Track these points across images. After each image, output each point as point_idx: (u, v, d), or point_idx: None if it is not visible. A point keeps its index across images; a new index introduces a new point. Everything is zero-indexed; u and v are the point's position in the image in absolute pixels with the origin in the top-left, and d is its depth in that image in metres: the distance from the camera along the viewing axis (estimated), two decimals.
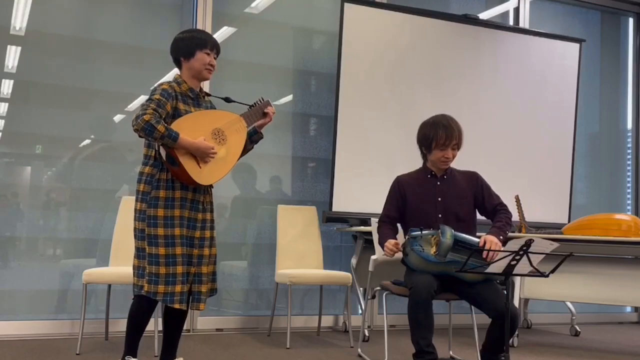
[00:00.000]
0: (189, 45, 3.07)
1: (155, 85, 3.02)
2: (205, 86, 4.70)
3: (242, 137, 3.13)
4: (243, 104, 3.32)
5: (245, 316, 4.85)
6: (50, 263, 4.40)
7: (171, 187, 2.96)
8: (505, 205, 3.41)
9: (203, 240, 3.05)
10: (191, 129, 2.93)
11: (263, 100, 3.24)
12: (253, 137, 3.25)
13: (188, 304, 3.01)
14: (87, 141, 4.56)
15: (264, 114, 3.21)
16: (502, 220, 3.33)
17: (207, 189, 3.11)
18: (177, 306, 2.91)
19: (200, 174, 2.94)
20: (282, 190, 5.06)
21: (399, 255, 3.34)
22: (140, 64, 4.61)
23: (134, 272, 2.99)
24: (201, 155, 2.93)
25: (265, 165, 5.01)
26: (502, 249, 3.01)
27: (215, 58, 3.13)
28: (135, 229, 2.98)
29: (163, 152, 2.91)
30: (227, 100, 3.32)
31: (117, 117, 4.64)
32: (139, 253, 2.96)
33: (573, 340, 4.90)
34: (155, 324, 3.79)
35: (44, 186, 4.45)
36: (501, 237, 3.21)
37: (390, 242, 3.27)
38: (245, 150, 3.23)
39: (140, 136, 2.87)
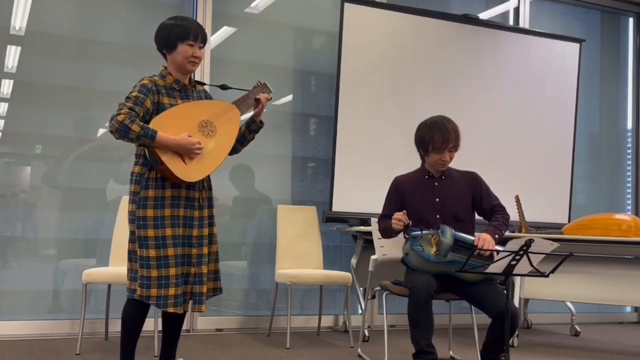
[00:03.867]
0: (170, 36, 2.88)
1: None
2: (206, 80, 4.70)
3: (234, 126, 2.95)
4: (241, 89, 3.13)
5: (245, 316, 4.85)
6: (50, 263, 4.40)
7: (161, 186, 2.82)
8: (503, 207, 3.41)
9: (201, 239, 2.91)
10: (174, 123, 2.76)
11: (260, 83, 3.05)
12: (251, 127, 3.07)
13: (189, 306, 2.90)
14: (86, 141, 4.56)
15: (256, 101, 3.02)
16: (499, 220, 3.33)
17: (203, 185, 2.95)
18: (171, 310, 2.79)
19: (185, 171, 2.78)
20: (282, 190, 5.06)
21: (399, 255, 3.34)
22: (140, 64, 4.61)
23: (127, 275, 2.87)
24: (185, 152, 2.78)
25: (265, 165, 5.01)
26: (500, 248, 3.02)
27: (201, 47, 2.92)
28: (130, 231, 2.87)
29: (147, 152, 2.79)
30: (224, 87, 3.13)
31: None
32: (131, 256, 2.84)
33: (573, 340, 4.89)
34: (155, 324, 3.78)
35: (44, 186, 4.45)
36: (496, 236, 3.21)
37: (398, 213, 3.22)
38: (247, 141, 3.08)
39: (116, 138, 2.73)
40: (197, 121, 2.85)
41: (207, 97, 3.07)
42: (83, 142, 4.54)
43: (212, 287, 3.00)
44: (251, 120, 3.07)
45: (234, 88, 3.17)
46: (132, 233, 2.83)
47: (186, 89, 2.96)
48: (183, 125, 2.80)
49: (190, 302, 2.93)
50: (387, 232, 3.37)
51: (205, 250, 2.93)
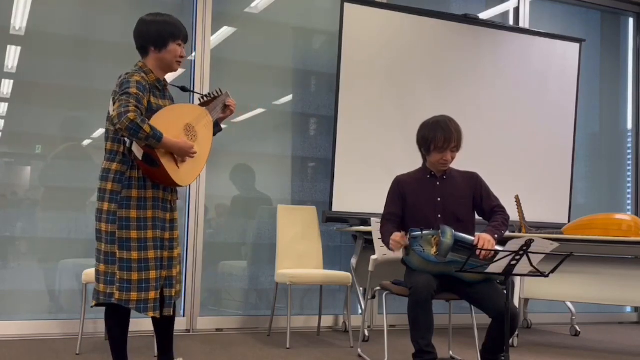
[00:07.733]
0: (162, 34, 2.84)
1: (123, 75, 2.78)
2: (205, 84, 4.71)
3: (210, 132, 2.96)
4: (198, 93, 3.18)
5: (245, 316, 4.85)
6: (50, 263, 4.40)
7: (143, 187, 2.77)
8: (503, 208, 3.41)
9: (172, 242, 2.87)
10: (165, 125, 2.72)
11: (221, 91, 3.06)
12: (214, 130, 3.04)
13: (161, 310, 2.81)
14: (87, 141, 4.56)
15: (225, 107, 3.05)
16: (498, 220, 3.33)
17: (175, 188, 2.93)
18: (150, 314, 2.74)
19: (179, 174, 2.78)
20: (282, 190, 5.06)
21: (399, 255, 3.34)
22: None
23: (99, 279, 2.77)
24: (182, 155, 2.77)
25: (265, 165, 5.01)
26: (500, 248, 3.02)
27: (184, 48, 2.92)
28: (99, 231, 2.77)
29: (139, 152, 2.71)
30: (184, 89, 3.10)
31: None
32: (108, 258, 2.74)
33: (573, 340, 4.89)
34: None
35: (44, 186, 4.45)
36: (496, 236, 3.21)
37: (396, 235, 3.24)
38: None
39: (122, 135, 2.70)
40: (182, 124, 2.83)
41: (171, 97, 3.03)
42: (83, 142, 4.54)
43: (177, 290, 2.93)
44: (214, 124, 3.05)
45: (192, 91, 3.21)
46: (110, 234, 2.74)
47: (164, 89, 2.94)
48: (173, 127, 2.77)
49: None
50: (385, 242, 3.37)
51: (175, 252, 2.89)
